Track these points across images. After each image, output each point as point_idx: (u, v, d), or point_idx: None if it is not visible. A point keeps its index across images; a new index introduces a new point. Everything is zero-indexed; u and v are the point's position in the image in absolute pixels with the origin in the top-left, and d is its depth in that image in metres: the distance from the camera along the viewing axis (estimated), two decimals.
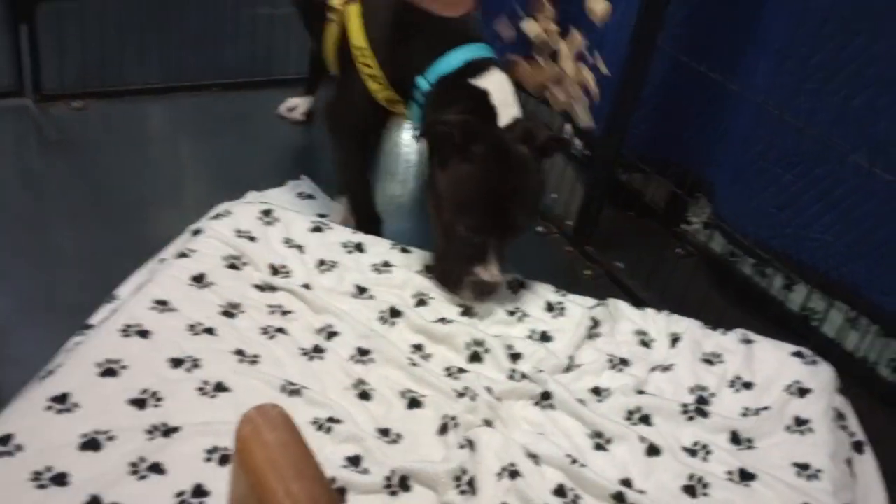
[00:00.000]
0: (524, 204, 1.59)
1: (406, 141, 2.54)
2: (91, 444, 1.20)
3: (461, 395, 1.44)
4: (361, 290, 1.62)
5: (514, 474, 1.29)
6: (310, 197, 2.09)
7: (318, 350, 1.46)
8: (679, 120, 2.14)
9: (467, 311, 1.63)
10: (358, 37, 1.69)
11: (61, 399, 1.24)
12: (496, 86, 1.61)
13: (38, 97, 2.22)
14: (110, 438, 1.21)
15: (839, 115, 1.70)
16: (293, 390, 1.36)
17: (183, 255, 1.58)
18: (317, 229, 1.76)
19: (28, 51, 2.16)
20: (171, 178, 2.16)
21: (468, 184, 1.55)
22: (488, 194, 1.55)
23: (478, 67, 1.62)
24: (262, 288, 1.56)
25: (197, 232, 1.66)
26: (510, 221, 1.58)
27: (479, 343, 1.54)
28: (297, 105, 2.50)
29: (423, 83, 1.64)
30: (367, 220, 1.93)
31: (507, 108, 1.61)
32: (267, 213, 1.74)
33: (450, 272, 1.62)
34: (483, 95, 1.60)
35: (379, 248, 1.75)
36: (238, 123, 2.41)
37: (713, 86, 2.03)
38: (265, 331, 1.47)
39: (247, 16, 2.61)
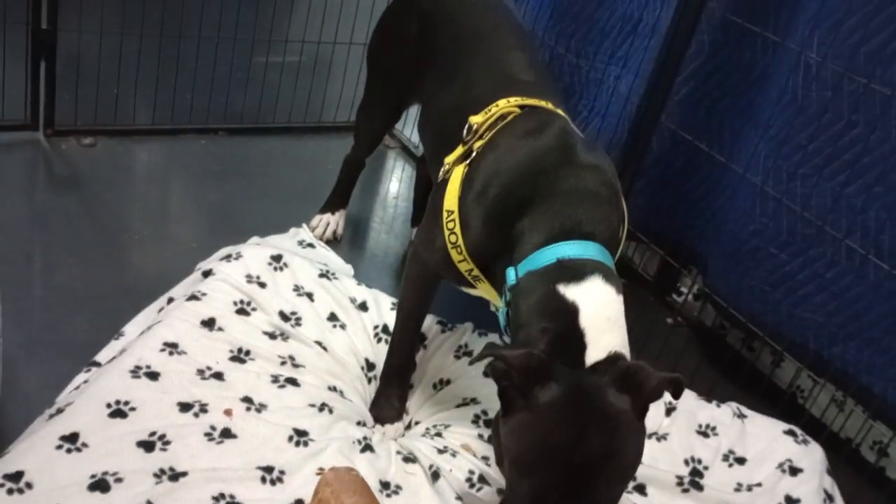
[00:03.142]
0: (607, 475, 1.14)
1: (399, 193, 2.58)
2: (99, 485, 1.20)
3: (440, 451, 1.47)
4: (370, 366, 1.66)
5: None
6: (310, 246, 2.11)
7: (326, 406, 1.48)
8: (674, 194, 2.21)
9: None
10: (451, 199, 1.39)
11: (71, 438, 1.25)
12: (593, 301, 1.20)
13: (50, 132, 2.24)
14: (118, 480, 1.21)
15: (834, 201, 1.77)
16: (300, 441, 1.37)
17: (193, 297, 1.59)
18: (323, 276, 1.79)
19: (44, 86, 2.19)
20: (175, 217, 2.18)
21: (527, 440, 1.15)
22: (553, 458, 1.13)
23: (574, 271, 1.22)
24: (272, 336, 1.58)
25: (207, 273, 1.68)
26: (586, 495, 1.14)
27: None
28: (328, 223, 2.17)
29: (512, 276, 1.28)
30: (401, 367, 1.62)
31: (602, 335, 1.19)
32: (277, 258, 1.76)
33: None
34: (572, 313, 1.20)
35: (382, 306, 1.78)
36: (243, 167, 2.44)
37: (708, 164, 2.11)
38: (275, 379, 1.48)
39: (256, 63, 2.66)
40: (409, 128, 2.82)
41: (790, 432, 1.60)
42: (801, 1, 1.87)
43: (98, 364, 1.49)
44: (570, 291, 1.21)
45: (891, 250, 1.69)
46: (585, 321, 1.19)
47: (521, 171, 1.34)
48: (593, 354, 1.17)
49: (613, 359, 1.17)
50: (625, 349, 1.20)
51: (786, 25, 1.91)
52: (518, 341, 1.24)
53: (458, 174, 1.42)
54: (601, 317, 1.20)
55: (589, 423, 1.13)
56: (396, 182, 2.66)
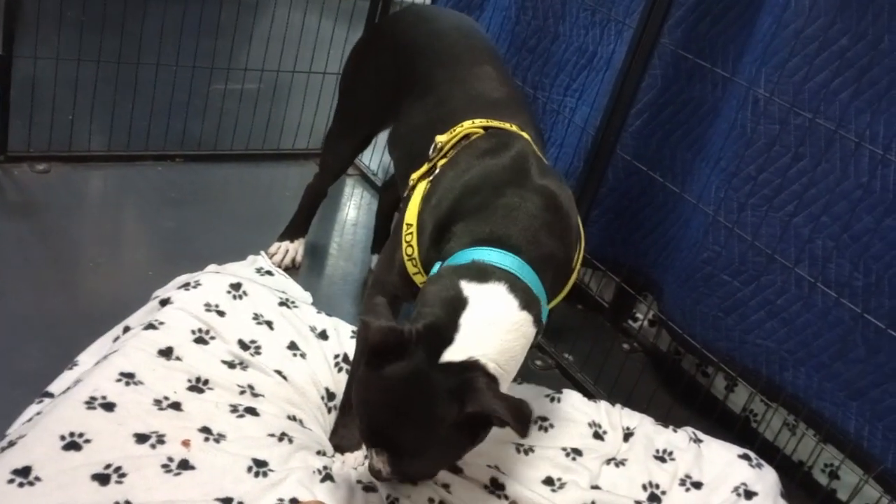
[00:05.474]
0: (404, 453, 1.25)
1: (358, 220, 2.59)
2: None
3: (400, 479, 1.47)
4: (330, 396, 1.65)
5: None
6: (268, 273, 2.10)
7: (286, 436, 1.47)
8: (629, 223, 2.25)
9: None
10: (412, 213, 1.44)
11: (23, 472, 1.22)
12: (484, 303, 1.22)
13: (3, 158, 2.20)
14: None
15: (783, 231, 1.83)
16: (259, 472, 1.36)
17: (151, 326, 1.57)
18: (283, 304, 1.78)
19: None
20: (131, 244, 2.15)
21: (360, 394, 1.27)
22: (368, 417, 1.25)
23: (481, 272, 1.25)
24: (231, 365, 1.56)
25: (165, 302, 1.66)
26: (392, 459, 1.27)
27: None
28: (287, 250, 2.18)
29: (435, 269, 1.35)
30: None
31: (473, 338, 1.19)
32: (236, 286, 1.75)
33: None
34: (457, 307, 1.22)
35: (342, 335, 1.78)
36: (200, 194, 2.43)
37: (662, 193, 2.16)
38: (234, 409, 1.47)
39: (215, 90, 2.66)
40: (367, 156, 2.84)
41: (745, 456, 1.63)
42: (748, 40, 1.94)
43: (51, 395, 1.46)
44: (468, 288, 1.24)
45: (838, 279, 1.75)
46: (465, 318, 1.21)
47: (472, 188, 1.39)
48: (451, 354, 1.19)
49: (467, 365, 1.18)
50: (497, 364, 1.21)
51: (734, 62, 1.98)
52: (411, 320, 1.26)
53: (420, 190, 1.47)
54: (484, 320, 1.21)
55: (407, 415, 1.19)
56: (355, 209, 2.66)
